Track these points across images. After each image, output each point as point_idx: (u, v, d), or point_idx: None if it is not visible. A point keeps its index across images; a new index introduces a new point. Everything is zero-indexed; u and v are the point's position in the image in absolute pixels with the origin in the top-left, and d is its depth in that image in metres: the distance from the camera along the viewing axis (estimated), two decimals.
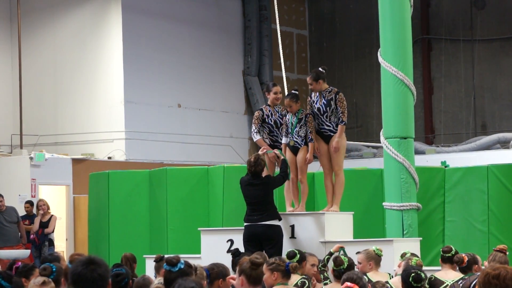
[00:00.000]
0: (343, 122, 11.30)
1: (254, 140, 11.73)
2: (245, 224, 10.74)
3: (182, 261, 5.90)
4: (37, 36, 22.40)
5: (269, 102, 11.70)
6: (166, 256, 6.21)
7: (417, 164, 12.39)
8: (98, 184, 15.48)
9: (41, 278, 6.93)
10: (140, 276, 7.61)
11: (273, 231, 10.56)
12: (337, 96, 11.33)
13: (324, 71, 11.47)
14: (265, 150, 11.15)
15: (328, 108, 11.32)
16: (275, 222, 10.61)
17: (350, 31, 26.83)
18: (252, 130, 11.66)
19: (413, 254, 9.19)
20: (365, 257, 9.19)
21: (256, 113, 11.70)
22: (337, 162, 11.37)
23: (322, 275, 8.68)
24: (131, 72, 21.84)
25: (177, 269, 5.83)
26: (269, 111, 11.57)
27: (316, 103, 11.39)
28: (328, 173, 11.49)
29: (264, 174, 10.86)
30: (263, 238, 10.52)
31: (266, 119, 11.56)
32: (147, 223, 14.64)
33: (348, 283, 6.24)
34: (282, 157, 11.05)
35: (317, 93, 11.42)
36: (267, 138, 11.56)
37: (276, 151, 11.17)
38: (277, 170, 11.42)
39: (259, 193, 10.66)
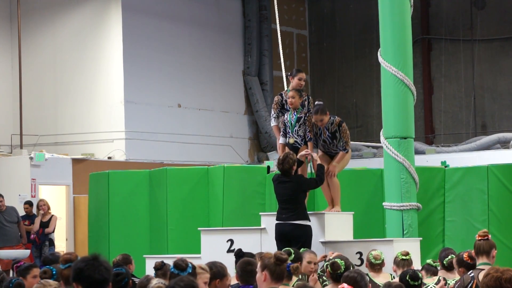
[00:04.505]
0: (346, 150, 11.40)
1: (271, 125, 11.74)
2: (276, 222, 10.64)
3: (190, 264, 5.85)
4: (37, 36, 22.40)
5: (290, 87, 11.67)
6: (166, 257, 6.17)
7: (417, 164, 12.38)
8: (98, 184, 15.48)
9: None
10: (143, 276, 7.60)
11: (301, 231, 10.41)
12: (341, 128, 11.36)
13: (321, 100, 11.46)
14: (303, 153, 11.03)
15: (334, 140, 11.38)
16: (304, 222, 10.48)
17: (350, 31, 26.82)
18: (271, 114, 11.68)
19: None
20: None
21: (275, 98, 11.76)
22: (335, 171, 11.39)
23: (321, 279, 8.68)
24: (131, 72, 21.84)
25: (186, 273, 5.79)
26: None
27: (321, 136, 11.37)
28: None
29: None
30: (291, 237, 10.35)
31: (285, 105, 11.57)
32: (147, 223, 14.63)
33: (345, 285, 6.22)
34: (317, 161, 10.92)
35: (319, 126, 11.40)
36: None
37: (314, 155, 11.04)
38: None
39: (287, 191, 10.51)
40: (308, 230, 10.51)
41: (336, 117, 11.45)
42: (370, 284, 7.50)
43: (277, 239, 10.54)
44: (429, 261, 9.08)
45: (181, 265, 5.83)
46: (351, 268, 8.36)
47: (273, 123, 11.70)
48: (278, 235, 10.55)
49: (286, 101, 11.57)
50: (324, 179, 10.98)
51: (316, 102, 11.27)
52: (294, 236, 10.36)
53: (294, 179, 10.55)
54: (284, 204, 10.56)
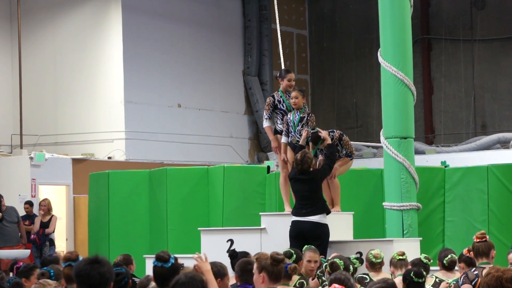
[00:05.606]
0: (351, 157, 11.53)
1: (264, 126, 11.79)
2: (293, 219, 10.64)
3: (172, 255, 5.88)
4: (37, 36, 22.40)
5: (281, 89, 11.70)
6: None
7: (417, 164, 12.40)
8: (98, 184, 15.49)
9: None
10: (143, 276, 7.60)
11: (320, 230, 10.48)
12: (342, 141, 11.45)
13: (316, 128, 11.42)
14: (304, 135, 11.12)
15: (337, 153, 11.41)
16: (322, 218, 10.52)
17: (350, 31, 26.81)
18: (263, 116, 11.72)
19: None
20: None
21: (267, 99, 11.82)
22: (335, 173, 11.41)
23: (320, 280, 8.68)
24: (131, 72, 21.84)
25: (170, 264, 5.82)
26: (281, 97, 11.59)
27: (322, 150, 11.41)
28: None
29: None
30: (309, 236, 10.38)
31: (278, 105, 11.59)
32: (147, 223, 14.64)
33: (336, 285, 6.23)
34: (327, 141, 10.99)
35: None
36: (281, 124, 11.56)
37: (323, 133, 11.11)
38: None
39: (306, 187, 10.61)
40: (326, 229, 10.57)
41: (335, 131, 11.49)
42: (357, 284, 7.51)
43: (293, 236, 10.53)
44: (422, 257, 9.00)
45: (163, 257, 5.84)
46: (351, 268, 8.38)
47: (265, 124, 11.72)
48: (295, 232, 10.54)
49: (279, 101, 11.60)
50: (336, 160, 11.09)
51: (311, 132, 11.22)
52: (313, 235, 10.39)
53: (311, 176, 10.67)
54: (303, 200, 10.63)
